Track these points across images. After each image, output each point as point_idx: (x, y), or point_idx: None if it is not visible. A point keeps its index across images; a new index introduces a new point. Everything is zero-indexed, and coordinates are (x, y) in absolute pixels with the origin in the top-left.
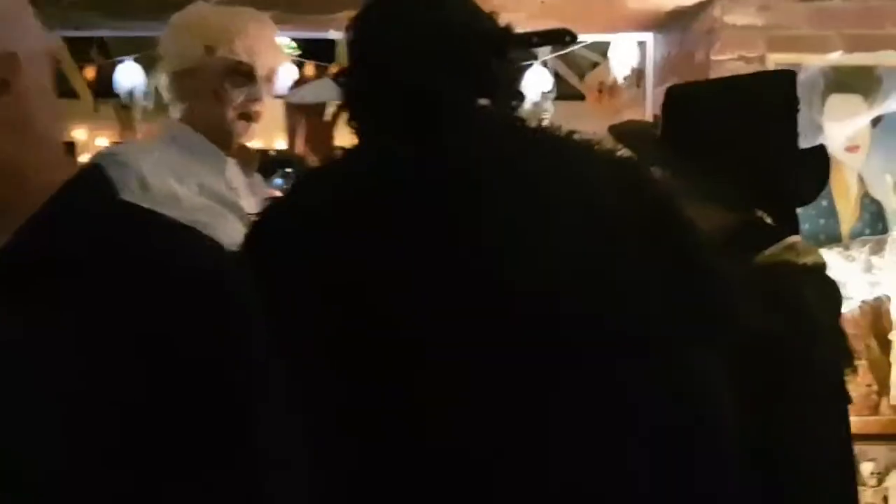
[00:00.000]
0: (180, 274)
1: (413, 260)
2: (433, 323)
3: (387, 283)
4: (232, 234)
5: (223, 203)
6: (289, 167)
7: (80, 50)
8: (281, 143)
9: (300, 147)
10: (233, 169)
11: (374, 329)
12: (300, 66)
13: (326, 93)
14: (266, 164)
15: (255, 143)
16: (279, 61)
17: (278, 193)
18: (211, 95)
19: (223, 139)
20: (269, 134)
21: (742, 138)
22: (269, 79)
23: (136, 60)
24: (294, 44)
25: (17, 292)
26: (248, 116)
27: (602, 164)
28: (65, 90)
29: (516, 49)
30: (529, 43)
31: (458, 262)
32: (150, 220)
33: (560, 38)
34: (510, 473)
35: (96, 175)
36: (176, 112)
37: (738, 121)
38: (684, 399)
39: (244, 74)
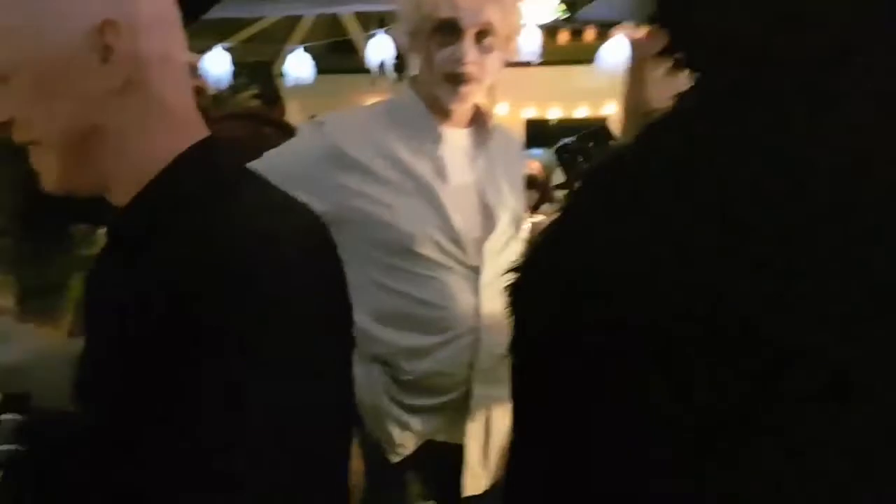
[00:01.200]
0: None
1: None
2: None
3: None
4: (409, 218)
5: (415, 182)
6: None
7: (364, 25)
8: (557, 112)
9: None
10: (453, 141)
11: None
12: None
13: (618, 10)
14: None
15: (527, 112)
16: (499, 17)
17: (533, 168)
18: (423, 57)
19: (438, 104)
20: (543, 103)
21: None
22: (486, 35)
23: (387, 32)
24: (563, 5)
25: (126, 256)
26: (457, 78)
27: None
28: (352, 66)
29: None
30: None
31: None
32: (245, 196)
33: None
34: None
35: (207, 149)
36: None
37: None
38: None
39: (448, 31)
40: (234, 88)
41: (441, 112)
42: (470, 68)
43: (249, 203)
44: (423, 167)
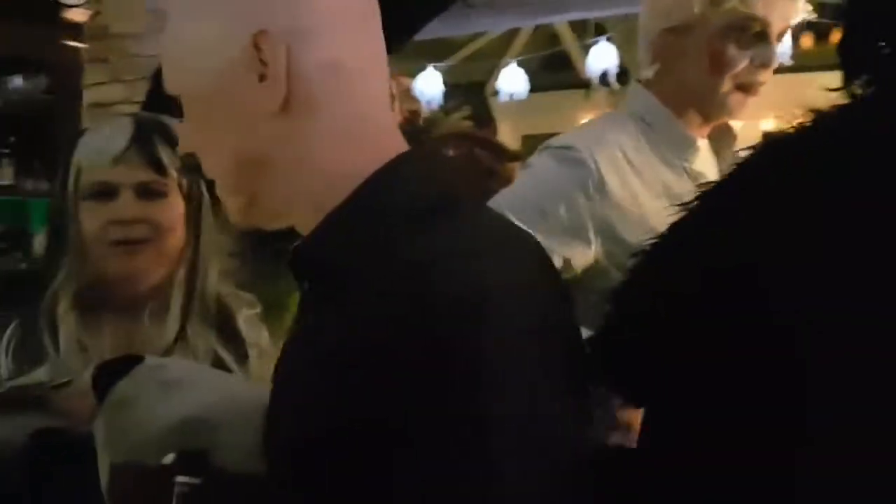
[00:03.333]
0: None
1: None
2: None
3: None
4: None
5: None
6: None
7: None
8: (769, 124)
9: None
10: (704, 158)
11: None
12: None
13: None
14: None
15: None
16: (795, 16)
17: None
18: (705, 58)
19: (708, 114)
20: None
21: None
22: (780, 39)
23: (609, 40)
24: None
25: (315, 288)
26: (748, 88)
27: None
28: (565, 83)
29: None
30: None
31: None
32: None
33: None
34: None
35: (399, 170)
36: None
37: None
38: None
39: (755, 33)
40: (446, 109)
41: (704, 120)
42: (767, 75)
43: (459, 236)
44: (686, 193)
